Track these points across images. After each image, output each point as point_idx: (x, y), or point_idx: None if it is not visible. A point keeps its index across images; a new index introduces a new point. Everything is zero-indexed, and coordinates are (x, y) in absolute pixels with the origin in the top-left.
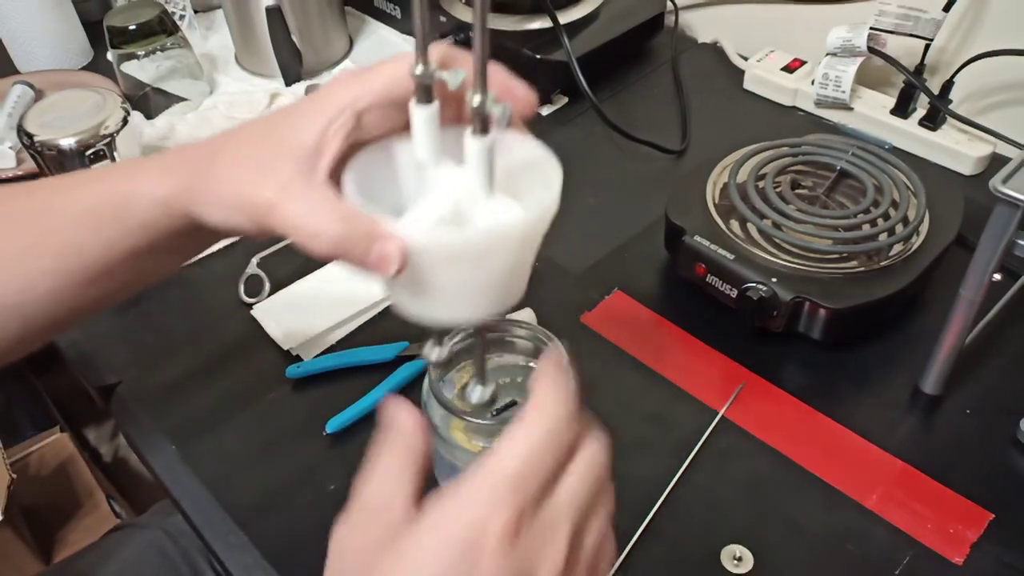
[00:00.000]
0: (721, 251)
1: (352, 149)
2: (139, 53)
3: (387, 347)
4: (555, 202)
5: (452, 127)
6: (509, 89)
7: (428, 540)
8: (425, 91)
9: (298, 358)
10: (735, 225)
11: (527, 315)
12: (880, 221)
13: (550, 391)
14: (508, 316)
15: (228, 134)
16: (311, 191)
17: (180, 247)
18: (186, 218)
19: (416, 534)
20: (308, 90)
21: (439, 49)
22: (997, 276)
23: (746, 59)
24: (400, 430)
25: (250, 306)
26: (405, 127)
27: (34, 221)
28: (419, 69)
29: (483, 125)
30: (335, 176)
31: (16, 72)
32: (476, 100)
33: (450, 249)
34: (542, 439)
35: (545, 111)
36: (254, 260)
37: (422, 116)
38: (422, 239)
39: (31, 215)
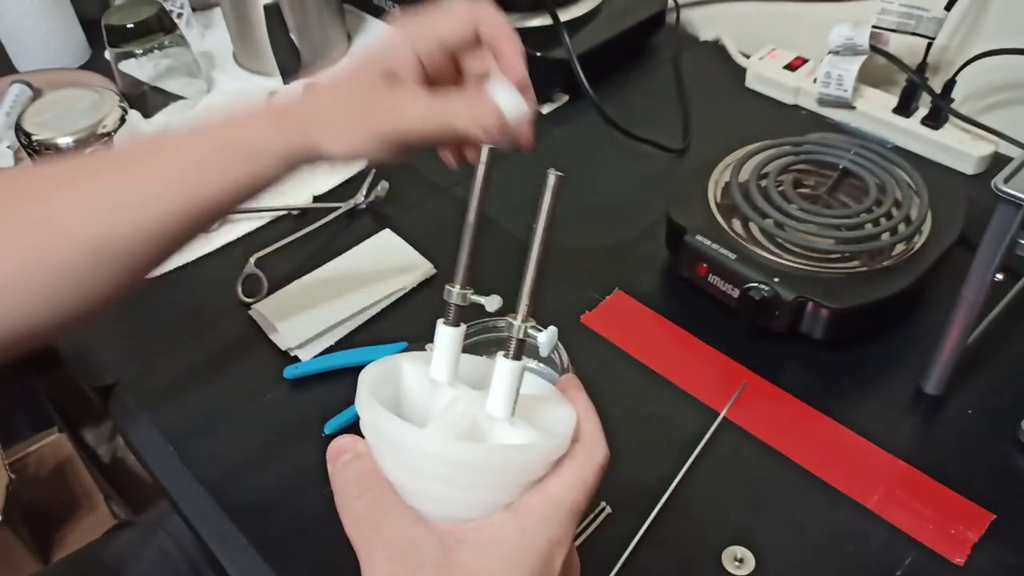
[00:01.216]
0: (723, 251)
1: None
2: (137, 52)
3: (386, 347)
4: (566, 445)
5: (469, 355)
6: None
7: (496, 561)
8: (456, 312)
9: (296, 359)
10: (737, 224)
11: (495, 302)
12: (882, 221)
13: (593, 422)
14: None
15: (307, 93)
16: (419, 91)
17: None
18: (300, 158)
19: (479, 553)
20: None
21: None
22: (999, 276)
23: (748, 57)
24: (359, 455)
25: (248, 306)
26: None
27: (166, 172)
28: (454, 293)
29: (517, 350)
30: None
31: (14, 71)
32: (516, 327)
33: (471, 461)
34: (597, 476)
35: (545, 109)
36: (252, 260)
37: (447, 336)
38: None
39: (166, 166)
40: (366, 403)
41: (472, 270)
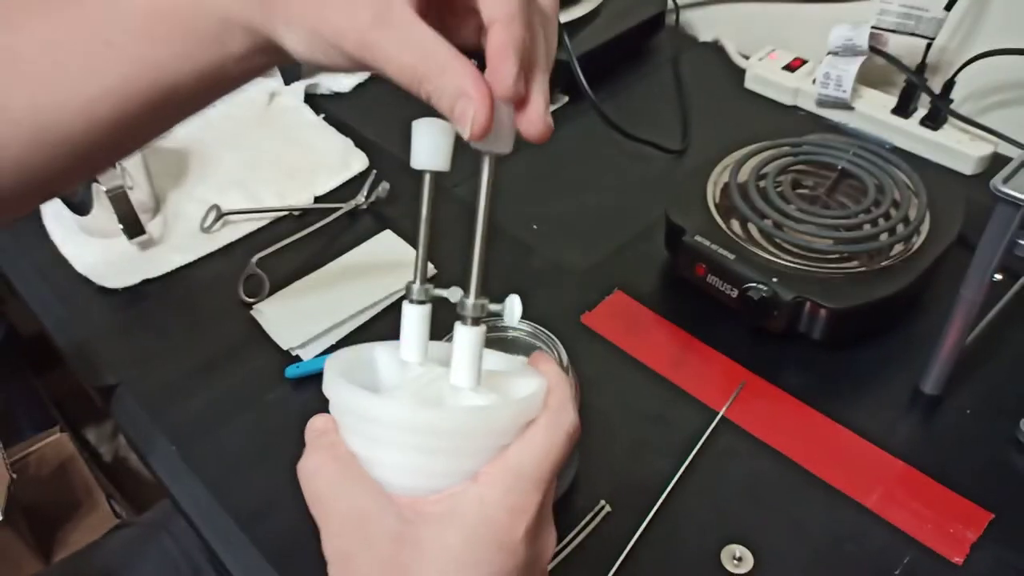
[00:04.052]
0: (722, 251)
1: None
2: None
3: None
4: (538, 407)
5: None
6: (527, 113)
7: (453, 535)
8: (421, 292)
9: (298, 358)
10: (736, 225)
11: (455, 294)
12: (881, 221)
13: (563, 392)
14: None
15: None
16: (405, 21)
17: (248, 72)
18: (263, 40)
19: (436, 527)
20: (307, 89)
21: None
22: (998, 276)
23: (747, 58)
24: (325, 431)
25: (250, 306)
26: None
27: (93, 32)
28: (416, 287)
29: (475, 319)
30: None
31: None
32: (469, 304)
33: (428, 423)
34: (563, 444)
35: None
36: (254, 260)
37: (414, 313)
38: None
39: (88, 24)
40: (329, 380)
41: (427, 268)
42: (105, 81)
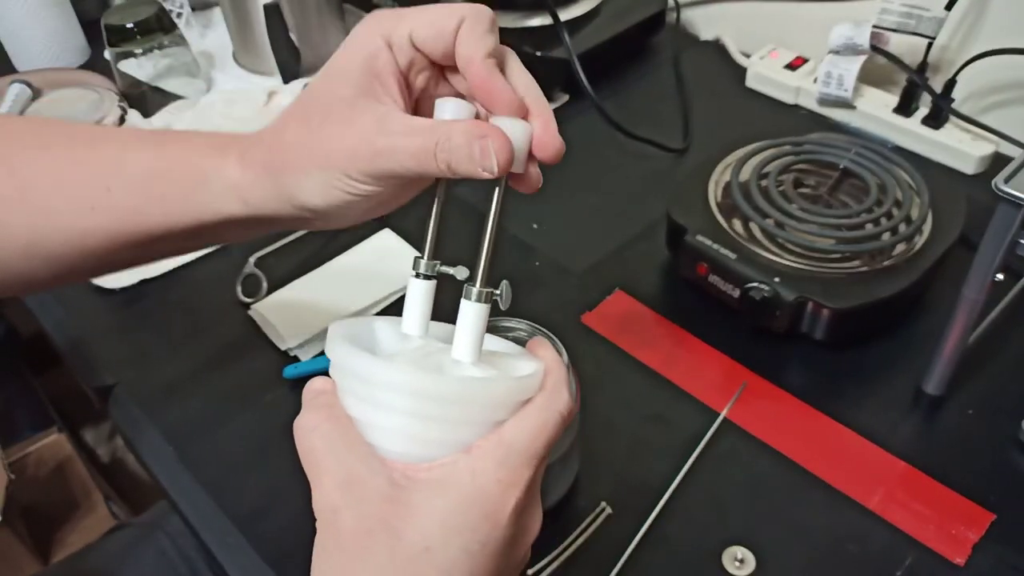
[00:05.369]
0: (723, 250)
1: (415, 75)
2: (136, 51)
3: None
4: (535, 387)
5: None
6: (541, 139)
7: (443, 500)
8: (427, 267)
9: (296, 358)
10: (737, 224)
11: (462, 272)
12: (883, 220)
13: (559, 374)
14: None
15: (278, 122)
16: (402, 118)
17: (241, 233)
18: (262, 205)
19: (427, 492)
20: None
21: (497, 49)
22: (1000, 276)
23: (748, 57)
24: (323, 391)
25: (248, 306)
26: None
27: (97, 176)
28: (423, 264)
29: (479, 297)
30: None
31: (14, 71)
32: (474, 294)
33: (425, 387)
34: (557, 424)
35: None
36: (251, 260)
37: (419, 288)
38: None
39: (95, 169)
40: (332, 341)
41: (435, 245)
42: (99, 219)
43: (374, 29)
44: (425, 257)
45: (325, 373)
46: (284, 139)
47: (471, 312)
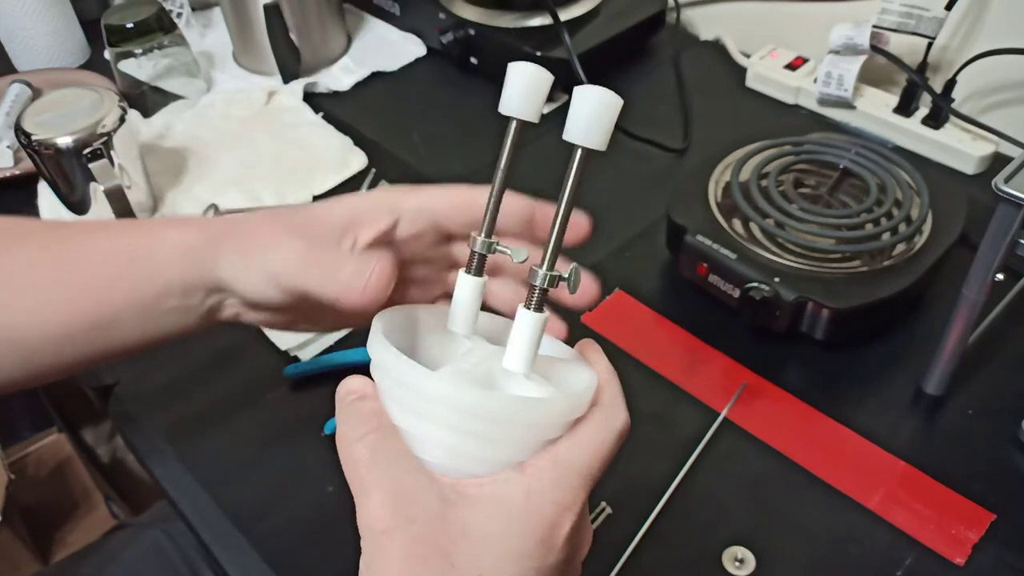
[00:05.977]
0: (723, 250)
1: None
2: (136, 51)
3: None
4: (587, 404)
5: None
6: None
7: (499, 523)
8: (480, 262)
9: (296, 358)
10: (737, 224)
11: (521, 254)
12: (883, 220)
13: (615, 388)
14: None
15: (259, 213)
16: (339, 253)
17: (192, 320)
18: (208, 280)
19: (481, 512)
20: (306, 88)
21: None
22: (1000, 276)
23: (748, 57)
24: (365, 395)
25: None
26: (431, 259)
27: (58, 257)
28: (479, 241)
29: (540, 301)
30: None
31: (13, 71)
32: (540, 275)
33: (482, 410)
34: (614, 443)
35: (546, 109)
36: None
37: (468, 285)
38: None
39: (57, 250)
40: (377, 342)
41: (495, 221)
42: (56, 296)
43: (381, 194)
44: (482, 234)
45: (325, 373)
46: (248, 217)
47: (529, 321)
